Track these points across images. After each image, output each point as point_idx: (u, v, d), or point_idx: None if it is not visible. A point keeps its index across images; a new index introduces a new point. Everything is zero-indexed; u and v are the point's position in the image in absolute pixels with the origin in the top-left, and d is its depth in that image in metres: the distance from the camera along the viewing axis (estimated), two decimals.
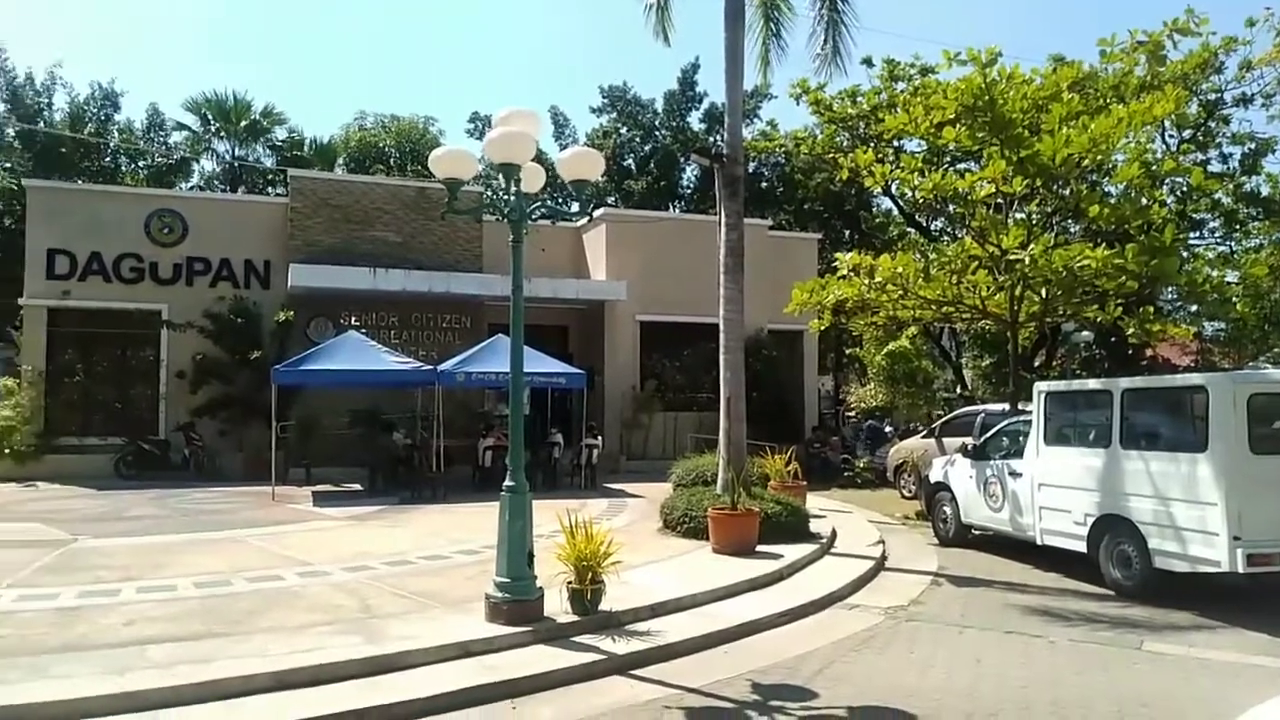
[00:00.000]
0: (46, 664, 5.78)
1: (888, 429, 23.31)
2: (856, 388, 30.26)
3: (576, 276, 21.95)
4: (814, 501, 13.42)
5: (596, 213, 21.95)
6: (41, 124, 25.90)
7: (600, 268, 21.45)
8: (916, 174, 12.63)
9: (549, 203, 9.69)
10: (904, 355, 19.29)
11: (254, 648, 6.20)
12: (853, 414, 28.06)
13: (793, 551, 9.97)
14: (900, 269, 12.46)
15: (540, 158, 7.67)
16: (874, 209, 32.21)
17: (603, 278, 21.17)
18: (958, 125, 12.23)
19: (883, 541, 11.46)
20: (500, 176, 7.23)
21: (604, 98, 33.66)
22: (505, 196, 7.21)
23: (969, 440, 12.52)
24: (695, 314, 19.87)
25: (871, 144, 18.21)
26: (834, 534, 11.45)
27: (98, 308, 18.66)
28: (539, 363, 15.67)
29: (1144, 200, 12.48)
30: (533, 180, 7.44)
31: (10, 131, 26.24)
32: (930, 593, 9.04)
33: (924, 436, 17.73)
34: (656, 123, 33.56)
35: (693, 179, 34.35)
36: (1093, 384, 10.46)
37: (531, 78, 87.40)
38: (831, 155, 19.25)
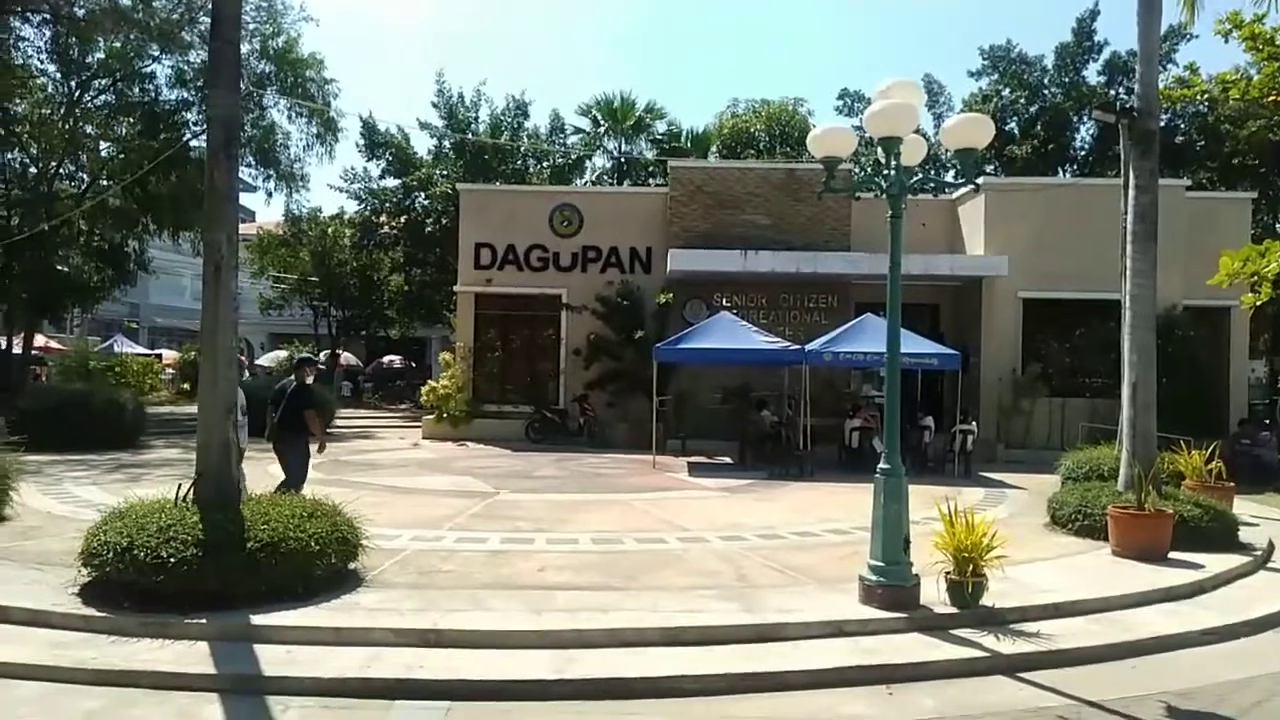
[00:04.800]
0: (483, 598, 6.82)
1: None
2: None
3: (950, 251, 20.78)
4: (1243, 506, 11.47)
5: (977, 181, 20.56)
6: (470, 135, 30.25)
7: (978, 241, 20.09)
8: None
9: (927, 176, 9.25)
10: None
11: (645, 603, 6.76)
12: None
13: (1216, 562, 8.62)
14: None
15: (917, 130, 7.35)
16: None
17: (980, 252, 19.81)
18: None
19: None
20: (879, 150, 7.05)
21: (984, 59, 31.44)
22: (885, 171, 7.02)
23: None
24: (1090, 289, 17.93)
25: None
26: (1271, 546, 9.70)
27: (511, 292, 21.40)
28: (910, 343, 15.05)
29: None
30: (913, 153, 7.17)
31: (447, 144, 31.01)
32: None
33: None
34: (1045, 80, 30.58)
35: (1087, 139, 30.90)
36: None
37: (902, 47, 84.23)
38: (1273, 98, 16.12)
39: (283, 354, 35.77)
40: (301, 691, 5.30)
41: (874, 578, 6.81)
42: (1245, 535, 9.85)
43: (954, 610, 6.69)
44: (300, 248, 34.96)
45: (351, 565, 7.30)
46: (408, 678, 5.40)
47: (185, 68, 24.76)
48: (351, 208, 32.72)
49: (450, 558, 8.18)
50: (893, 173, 6.99)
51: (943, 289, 20.75)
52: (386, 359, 41.83)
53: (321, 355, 36.23)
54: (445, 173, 29.38)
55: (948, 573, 6.82)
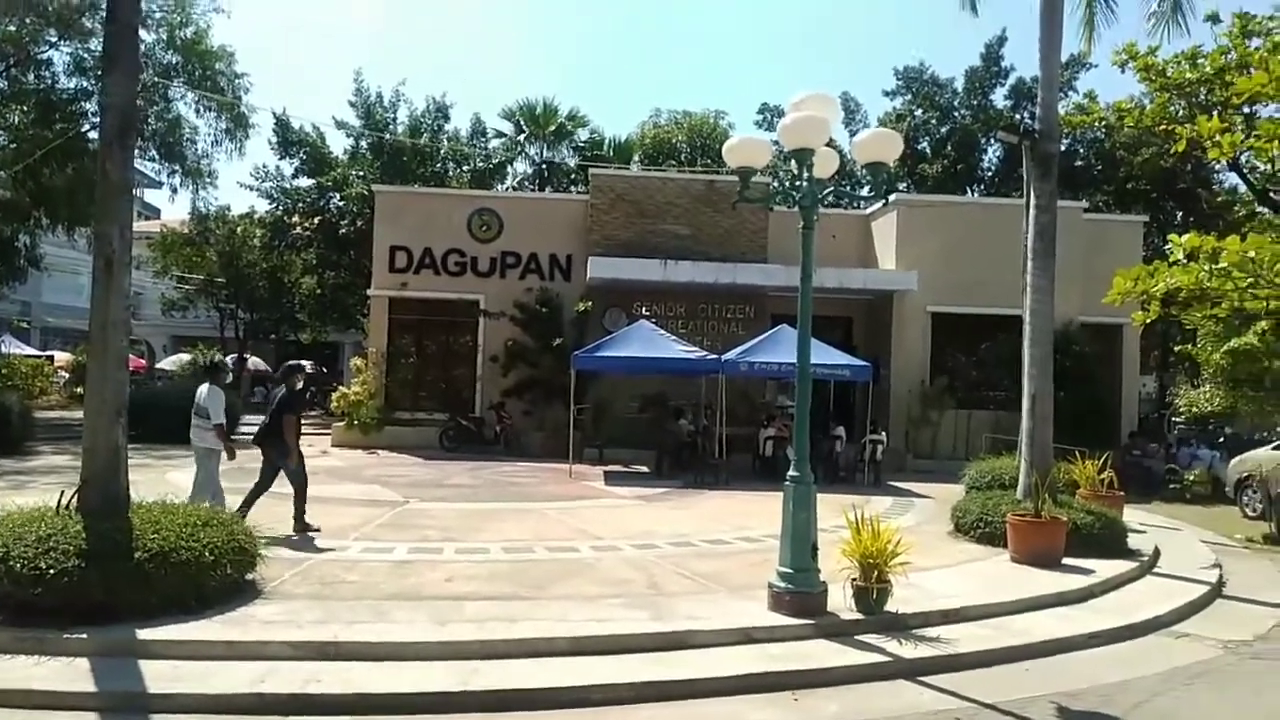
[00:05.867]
0: (387, 609, 6.62)
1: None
2: (1186, 390, 26.78)
3: (863, 266, 21.27)
4: (1132, 515, 12.04)
5: (889, 198, 21.14)
6: (388, 136, 29.64)
7: (890, 257, 20.64)
8: (1278, 142, 10.78)
9: (839, 188, 9.42)
10: (1250, 354, 16.60)
11: (554, 612, 6.67)
12: (1180, 419, 24.83)
13: (1105, 567, 9.00)
14: (1253, 253, 10.69)
15: (831, 144, 7.49)
16: (1215, 186, 28.17)
17: (892, 266, 20.35)
18: None
19: (1219, 565, 10.03)
20: (792, 163, 7.15)
21: (898, 79, 32.39)
22: (798, 182, 7.12)
23: None
24: (994, 305, 18.58)
25: (1215, 111, 15.83)
26: (1156, 552, 10.19)
27: (427, 297, 20.96)
28: (823, 354, 15.40)
29: None
30: (825, 165, 7.28)
31: (364, 144, 30.31)
32: None
33: (1276, 448, 15.22)
34: (955, 102, 31.72)
35: (994, 160, 32.08)
36: None
37: (822, 65, 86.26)
38: (1164, 127, 16.99)
39: (186, 357, 34.37)
40: (188, 709, 5.06)
41: (782, 584, 6.88)
42: (1134, 542, 10.32)
43: (859, 616, 6.80)
44: (207, 247, 33.72)
45: (249, 576, 7.01)
46: (303, 692, 5.20)
47: (85, 55, 23.62)
48: (262, 207, 31.63)
49: (354, 568, 7.94)
50: (805, 184, 7.09)
51: (856, 302, 21.23)
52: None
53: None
54: (361, 174, 28.69)
55: (854, 579, 6.93)
